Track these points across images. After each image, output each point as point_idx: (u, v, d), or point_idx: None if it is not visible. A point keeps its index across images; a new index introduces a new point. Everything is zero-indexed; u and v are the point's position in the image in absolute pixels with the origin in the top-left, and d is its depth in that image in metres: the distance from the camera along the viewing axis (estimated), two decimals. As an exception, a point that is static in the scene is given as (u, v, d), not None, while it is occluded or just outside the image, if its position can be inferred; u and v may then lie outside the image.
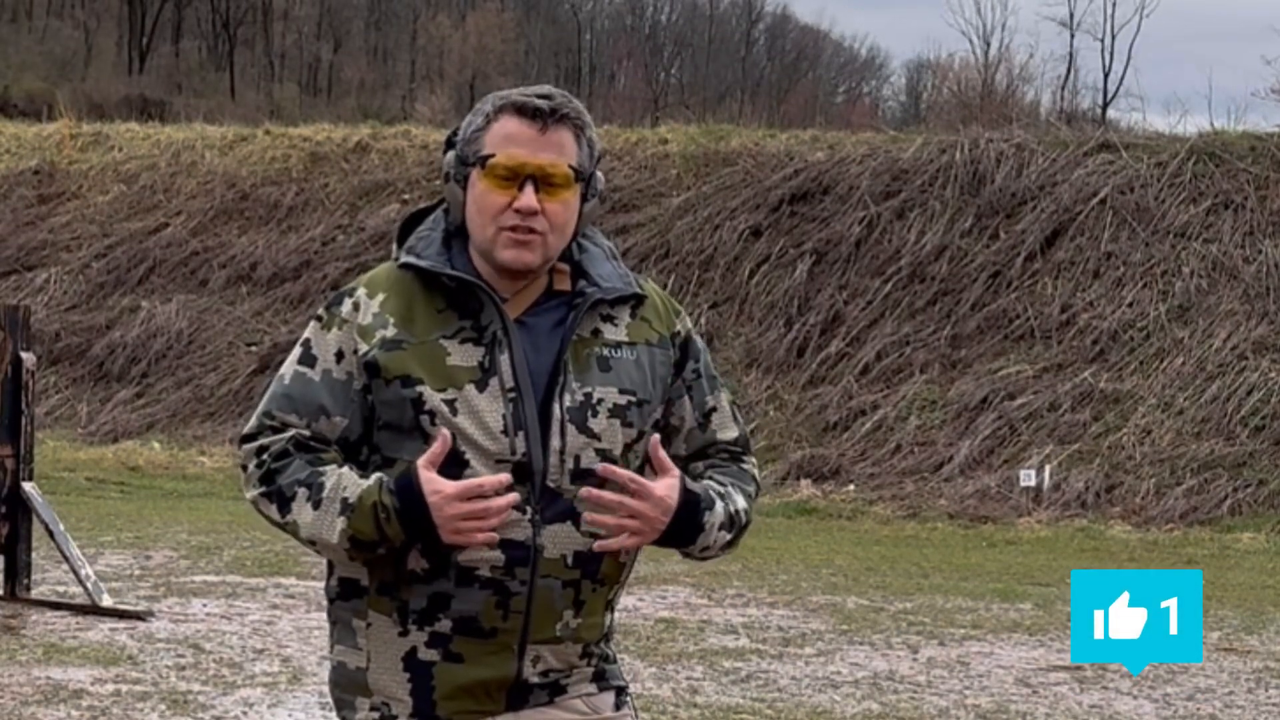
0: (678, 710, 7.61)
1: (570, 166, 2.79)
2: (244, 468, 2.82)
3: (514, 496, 2.70)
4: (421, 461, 2.70)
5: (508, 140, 2.77)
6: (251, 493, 2.81)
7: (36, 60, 57.85)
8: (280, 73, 67.63)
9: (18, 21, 64.60)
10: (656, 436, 2.81)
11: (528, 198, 2.76)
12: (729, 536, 2.88)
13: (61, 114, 27.26)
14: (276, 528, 2.84)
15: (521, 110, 2.78)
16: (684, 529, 2.80)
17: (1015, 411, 17.87)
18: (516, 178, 2.76)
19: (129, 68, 62.48)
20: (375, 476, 2.73)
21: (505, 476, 2.70)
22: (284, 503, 2.76)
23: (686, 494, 2.80)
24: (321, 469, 2.76)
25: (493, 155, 2.77)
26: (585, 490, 2.74)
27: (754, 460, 3.03)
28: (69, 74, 55.60)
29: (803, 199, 21.13)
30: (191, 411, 20.92)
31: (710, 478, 2.91)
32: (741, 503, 2.91)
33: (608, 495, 2.74)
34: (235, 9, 65.99)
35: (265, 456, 2.78)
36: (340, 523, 2.71)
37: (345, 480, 2.74)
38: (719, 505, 2.85)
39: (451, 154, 2.84)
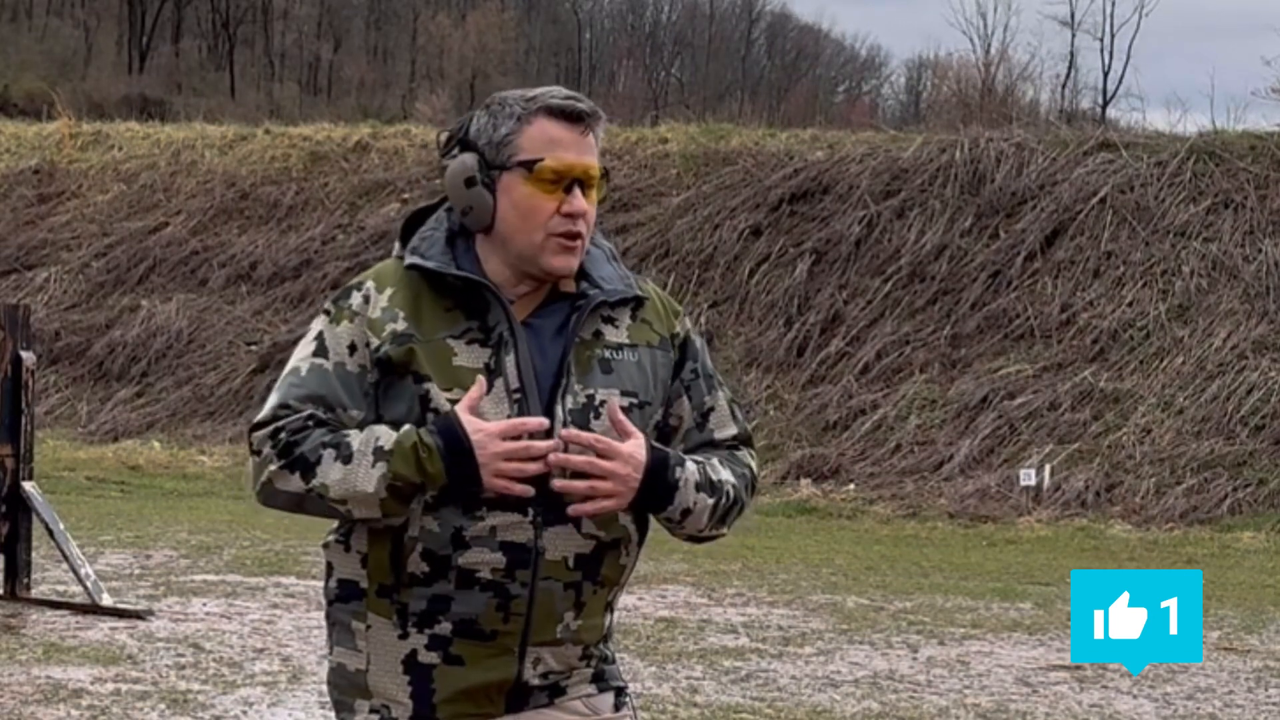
0: (678, 710, 7.61)
1: (601, 168, 2.82)
2: (257, 453, 2.74)
3: (555, 442, 2.70)
4: (460, 405, 2.68)
5: (553, 143, 2.76)
6: (269, 470, 2.72)
7: (36, 60, 57.84)
8: (280, 72, 67.64)
9: (18, 21, 64.59)
10: (615, 400, 2.78)
11: (579, 200, 2.76)
12: (711, 501, 2.84)
13: (61, 113, 27.25)
14: (293, 505, 2.75)
15: (563, 114, 2.78)
16: (657, 487, 2.77)
17: (1015, 411, 17.87)
18: (563, 181, 2.76)
19: (129, 67, 62.50)
20: (407, 425, 2.70)
21: (544, 420, 2.70)
22: (308, 468, 2.70)
23: (654, 450, 2.78)
24: (345, 432, 2.72)
25: (540, 159, 2.76)
26: (553, 455, 2.71)
27: (753, 453, 3.01)
28: (69, 73, 55.58)
29: (803, 198, 21.12)
30: (191, 411, 20.92)
31: (692, 455, 2.89)
32: (725, 474, 2.88)
33: (575, 459, 2.71)
34: (235, 8, 65.98)
35: (282, 434, 2.72)
36: (379, 469, 2.66)
37: (377, 431, 2.70)
38: (690, 464, 2.82)
39: (471, 157, 2.80)
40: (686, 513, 2.82)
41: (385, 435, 2.69)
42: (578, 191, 2.76)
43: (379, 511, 2.71)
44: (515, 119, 2.78)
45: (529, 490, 2.68)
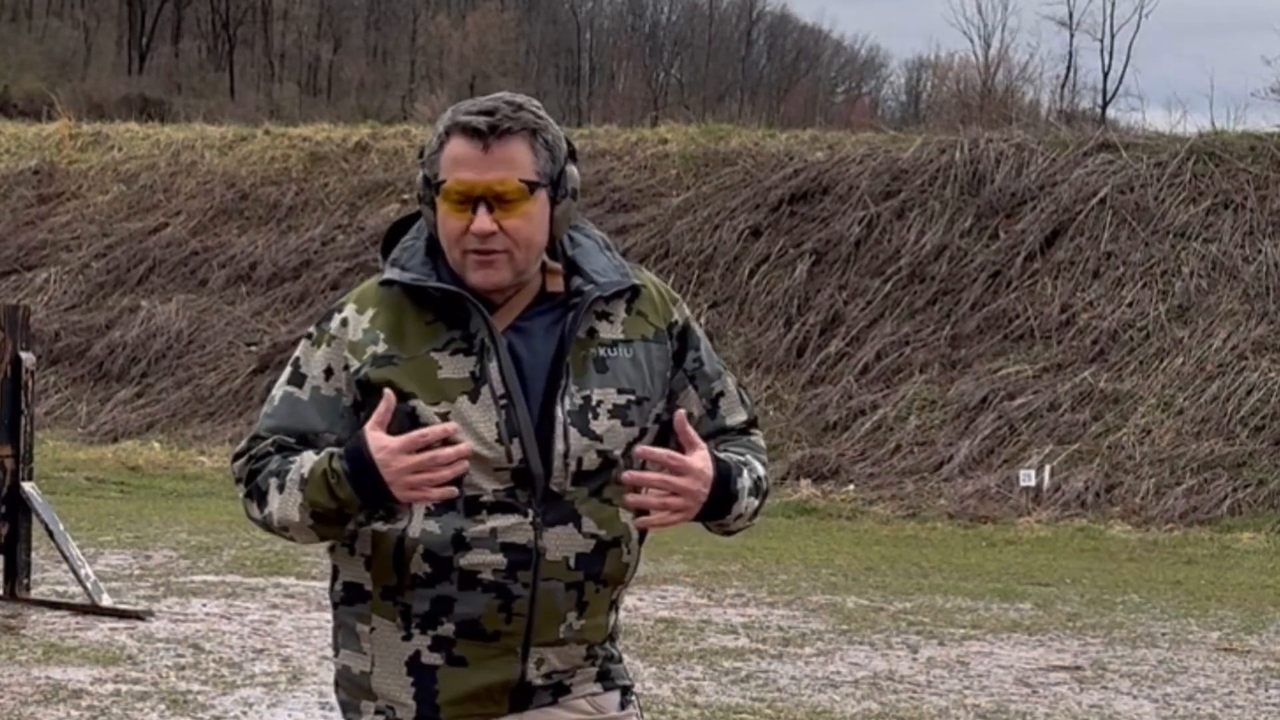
0: (678, 710, 7.61)
1: (522, 180, 2.74)
2: (238, 481, 2.83)
3: (465, 447, 2.66)
4: (369, 424, 2.68)
5: (455, 163, 2.75)
6: (241, 497, 2.82)
7: (36, 60, 57.88)
8: (280, 73, 67.67)
9: (18, 21, 64.62)
10: (682, 412, 2.79)
11: (481, 221, 2.73)
12: (757, 503, 2.88)
13: (61, 114, 27.25)
14: (264, 529, 2.83)
15: (465, 130, 2.75)
16: (720, 499, 2.79)
17: (1015, 411, 17.87)
18: (468, 200, 2.74)
19: (129, 68, 62.53)
20: (325, 451, 2.72)
21: (451, 425, 2.67)
22: (261, 498, 2.77)
23: (718, 463, 2.79)
24: (293, 459, 2.76)
25: (444, 181, 2.76)
26: (628, 474, 2.72)
27: (760, 433, 3.02)
28: (69, 74, 55.62)
29: (802, 199, 21.13)
30: (191, 411, 20.92)
31: (726, 450, 2.90)
32: (761, 470, 2.91)
33: (650, 475, 2.72)
34: (235, 9, 66.00)
35: (250, 464, 2.80)
36: (298, 497, 2.71)
37: (305, 459, 2.73)
38: (745, 472, 2.85)
39: (420, 174, 2.84)
40: (739, 517, 2.86)
41: (308, 463, 2.72)
42: (482, 211, 2.73)
43: (315, 536, 2.77)
44: (438, 137, 2.80)
45: (451, 492, 2.67)
